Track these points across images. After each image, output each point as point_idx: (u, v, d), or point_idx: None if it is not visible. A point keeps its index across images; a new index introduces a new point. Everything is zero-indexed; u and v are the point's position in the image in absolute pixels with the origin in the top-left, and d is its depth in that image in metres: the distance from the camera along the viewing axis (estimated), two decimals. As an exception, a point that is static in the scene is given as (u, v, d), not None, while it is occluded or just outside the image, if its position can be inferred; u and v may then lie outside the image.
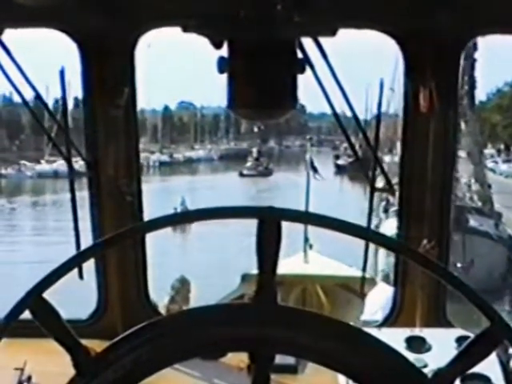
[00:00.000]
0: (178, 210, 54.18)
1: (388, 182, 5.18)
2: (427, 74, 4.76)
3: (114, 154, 5.21)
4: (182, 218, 2.17)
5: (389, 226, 31.41)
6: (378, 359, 2.00)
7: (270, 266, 2.00)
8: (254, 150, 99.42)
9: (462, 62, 4.96)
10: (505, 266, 35.75)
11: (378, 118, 5.64)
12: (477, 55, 32.94)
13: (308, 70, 3.45)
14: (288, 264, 16.00)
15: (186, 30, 3.20)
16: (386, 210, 36.34)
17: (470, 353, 2.05)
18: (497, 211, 39.19)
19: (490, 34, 5.20)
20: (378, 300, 14.39)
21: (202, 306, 2.12)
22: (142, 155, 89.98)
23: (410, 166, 5.19)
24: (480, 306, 2.01)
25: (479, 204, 38.24)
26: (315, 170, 20.15)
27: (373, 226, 38.97)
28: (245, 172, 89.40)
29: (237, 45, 3.10)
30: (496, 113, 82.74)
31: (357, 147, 5.94)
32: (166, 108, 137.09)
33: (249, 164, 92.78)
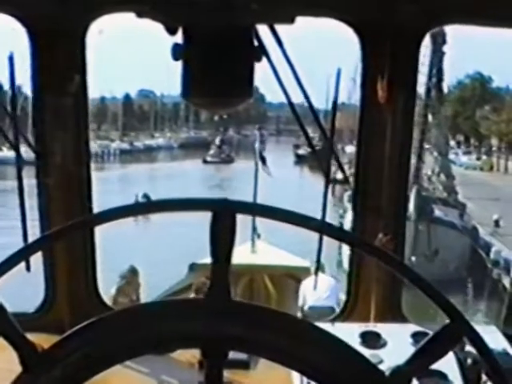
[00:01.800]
0: (139, 200, 54.54)
1: (343, 173, 5.15)
2: (385, 64, 4.68)
3: (64, 143, 5.03)
4: (132, 211, 2.02)
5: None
6: (334, 356, 1.95)
7: (224, 259, 1.97)
8: (217, 138, 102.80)
9: (421, 51, 4.88)
10: (469, 255, 36.24)
11: (334, 108, 5.42)
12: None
13: (265, 59, 3.38)
14: (236, 253, 15.93)
15: (139, 15, 3.07)
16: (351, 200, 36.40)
17: (429, 350, 1.97)
18: (461, 202, 39.77)
19: (449, 23, 5.15)
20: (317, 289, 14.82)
21: (153, 301, 2.11)
22: (103, 143, 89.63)
23: (366, 158, 5.07)
24: (438, 302, 1.93)
25: (444, 194, 38.79)
26: (264, 161, 20.02)
27: (337, 216, 39.33)
28: (208, 159, 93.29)
29: (192, 31, 2.99)
30: (457, 105, 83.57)
31: (316, 138, 5.86)
32: (127, 96, 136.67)
33: (212, 152, 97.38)
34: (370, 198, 5.09)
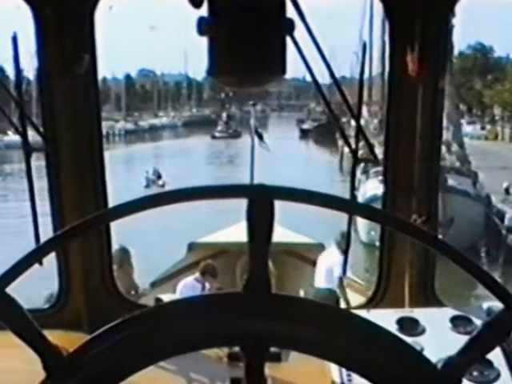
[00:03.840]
0: (150, 176, 54.98)
1: (372, 151, 4.78)
2: (415, 35, 4.40)
3: (74, 127, 4.72)
4: (156, 201, 1.82)
5: (369, 187, 32.43)
6: (378, 347, 1.81)
7: (263, 250, 1.82)
8: (224, 114, 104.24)
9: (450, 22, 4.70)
10: (483, 222, 36.93)
11: (361, 83, 5.21)
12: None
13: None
14: (234, 231, 14.99)
15: None
16: (365, 171, 36.94)
17: (484, 338, 1.79)
18: (474, 170, 40.44)
19: None
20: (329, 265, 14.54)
21: (184, 297, 1.99)
22: (107, 124, 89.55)
23: (397, 135, 4.76)
24: (489, 286, 1.76)
25: (457, 164, 39.52)
26: (260, 137, 19.95)
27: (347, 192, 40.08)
28: (217, 134, 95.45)
29: (218, 2, 2.80)
30: (459, 75, 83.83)
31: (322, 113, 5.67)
32: (128, 76, 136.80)
33: (220, 127, 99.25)
34: (401, 177, 4.80)
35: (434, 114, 4.65)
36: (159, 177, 53.86)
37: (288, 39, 2.90)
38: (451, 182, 36.47)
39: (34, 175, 4.76)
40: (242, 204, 1.76)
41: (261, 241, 1.81)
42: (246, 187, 1.84)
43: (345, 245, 5.34)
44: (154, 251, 24.54)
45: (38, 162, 4.88)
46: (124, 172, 66.04)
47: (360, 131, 4.68)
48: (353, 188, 4.71)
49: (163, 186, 50.18)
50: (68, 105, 4.67)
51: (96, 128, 4.79)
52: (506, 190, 43.04)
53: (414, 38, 4.40)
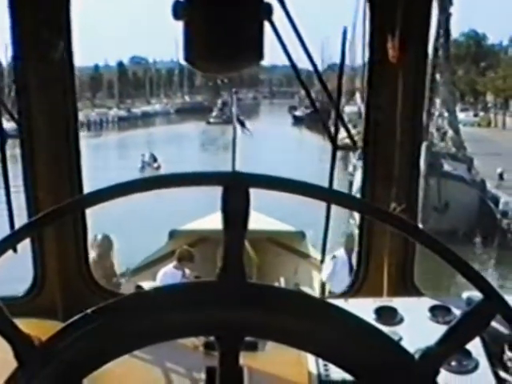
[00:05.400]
0: (146, 159, 55.40)
1: (351, 138, 4.81)
2: (396, 21, 4.30)
3: (49, 113, 4.59)
4: (131, 188, 1.79)
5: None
6: (356, 337, 1.77)
7: (237, 239, 1.78)
8: (219, 100, 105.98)
9: (433, 8, 4.55)
10: (478, 207, 37.26)
11: (341, 69, 5.10)
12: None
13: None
14: (215, 219, 14.83)
15: None
16: (360, 158, 37.10)
17: (462, 329, 1.77)
18: (469, 156, 40.75)
19: None
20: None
21: (160, 285, 1.91)
22: (100, 111, 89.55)
23: (376, 122, 4.66)
24: (471, 278, 1.75)
25: (453, 150, 39.80)
26: (242, 124, 19.98)
27: (346, 173, 40.29)
28: (211, 120, 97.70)
29: None
30: (452, 62, 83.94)
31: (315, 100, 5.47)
32: (121, 63, 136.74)
33: (214, 113, 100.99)
34: (380, 164, 4.69)
35: (415, 101, 4.58)
36: (155, 160, 54.44)
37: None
38: (447, 167, 36.83)
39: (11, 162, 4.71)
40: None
41: (235, 229, 1.77)
42: (220, 175, 1.79)
43: (351, 245, 5.14)
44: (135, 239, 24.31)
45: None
46: (122, 156, 66.34)
47: (339, 118, 4.62)
48: (331, 176, 4.67)
49: (158, 168, 50.82)
50: (43, 91, 4.57)
51: (72, 115, 4.70)
52: (500, 176, 43.43)
53: (394, 24, 4.29)
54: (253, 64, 2.95)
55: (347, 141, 5.00)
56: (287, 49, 4.01)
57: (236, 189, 1.74)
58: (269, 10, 2.86)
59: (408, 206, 4.61)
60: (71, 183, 4.71)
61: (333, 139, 4.60)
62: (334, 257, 14.53)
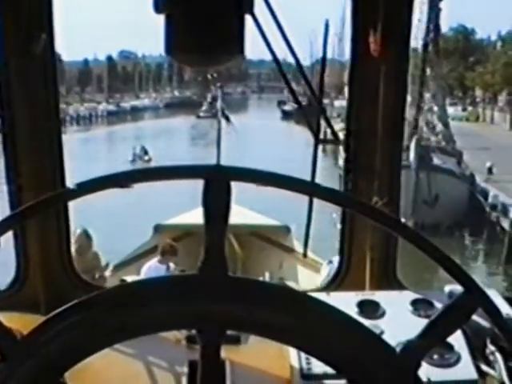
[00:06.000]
0: (137, 152, 55.64)
1: (333, 132, 4.74)
2: (378, 16, 4.27)
3: (31, 106, 4.55)
4: (112, 181, 1.79)
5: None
6: (337, 330, 1.77)
7: (219, 233, 1.79)
8: (209, 95, 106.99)
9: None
10: (467, 200, 37.49)
11: (323, 63, 5.08)
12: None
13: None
14: (200, 213, 14.65)
15: None
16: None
17: (443, 322, 1.78)
18: (458, 150, 41.12)
19: None
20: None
21: (142, 279, 1.90)
22: (90, 105, 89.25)
23: (358, 116, 4.68)
24: (452, 272, 1.76)
25: (443, 143, 40.19)
26: (227, 118, 19.98)
27: (337, 167, 40.47)
28: (201, 114, 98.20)
29: None
30: (441, 57, 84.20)
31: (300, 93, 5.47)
32: (110, 58, 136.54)
33: (204, 108, 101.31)
34: (362, 158, 4.70)
35: (397, 95, 4.57)
36: (146, 153, 54.69)
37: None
38: (436, 160, 37.17)
39: None
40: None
41: (217, 222, 1.78)
42: (201, 168, 1.78)
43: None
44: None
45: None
46: (111, 150, 66.27)
47: (321, 113, 4.61)
48: (314, 169, 4.65)
49: (149, 161, 51.06)
50: (25, 84, 4.52)
51: (53, 108, 4.66)
52: (489, 170, 43.70)
53: (376, 18, 4.28)
54: (234, 58, 2.94)
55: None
56: (269, 43, 3.99)
57: (217, 182, 1.74)
58: (250, 3, 2.89)
59: (390, 199, 4.62)
60: (54, 176, 4.69)
61: (315, 133, 4.59)
62: (330, 262, 14.47)
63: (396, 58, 4.44)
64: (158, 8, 2.75)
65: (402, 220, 2.30)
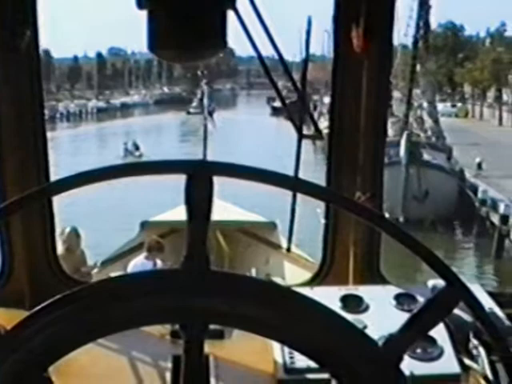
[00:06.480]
0: (129, 147, 55.76)
1: (316, 128, 4.75)
2: (361, 11, 4.27)
3: (15, 102, 4.54)
4: (96, 176, 1.79)
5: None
6: (320, 325, 1.78)
7: (201, 227, 1.79)
8: (199, 91, 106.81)
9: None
10: (457, 195, 37.59)
11: (306, 59, 5.06)
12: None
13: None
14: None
15: None
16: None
17: (425, 316, 1.79)
18: (448, 145, 41.27)
19: None
20: None
21: (125, 273, 1.85)
22: (80, 102, 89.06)
23: (341, 111, 4.66)
24: (434, 266, 1.77)
25: (433, 139, 40.34)
26: (211, 114, 20.03)
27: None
28: (191, 110, 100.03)
29: None
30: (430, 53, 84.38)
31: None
32: (100, 55, 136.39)
33: (194, 104, 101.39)
34: (345, 153, 4.70)
35: (380, 91, 4.56)
36: (137, 148, 54.94)
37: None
38: (426, 156, 37.31)
39: None
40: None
41: (199, 217, 1.77)
42: (184, 163, 1.78)
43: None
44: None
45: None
46: (101, 146, 66.22)
47: (304, 108, 4.59)
48: (297, 164, 4.68)
49: (140, 156, 51.32)
50: (9, 80, 4.49)
51: (38, 103, 4.65)
52: (479, 165, 43.87)
53: (359, 14, 4.27)
54: (216, 53, 2.96)
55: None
56: (252, 38, 3.99)
57: (200, 177, 1.74)
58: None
59: (373, 194, 4.63)
60: (38, 172, 4.68)
61: (298, 129, 4.56)
62: None
63: (379, 54, 4.44)
64: (140, 4, 2.78)
65: (386, 215, 2.29)
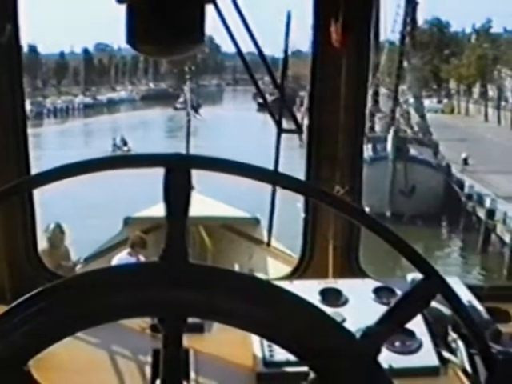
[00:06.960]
0: (117, 143, 55.89)
1: (295, 122, 4.69)
2: (339, 5, 4.25)
3: None
4: (75, 170, 1.78)
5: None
6: (298, 317, 1.77)
7: (179, 220, 1.77)
8: (186, 87, 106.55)
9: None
10: (443, 190, 37.84)
11: (285, 54, 5.01)
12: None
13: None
14: None
15: None
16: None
17: (402, 308, 1.79)
18: (435, 141, 41.44)
19: None
20: None
21: (104, 267, 1.90)
22: (66, 98, 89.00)
23: (320, 106, 4.67)
24: (412, 259, 1.77)
25: (420, 135, 40.50)
26: (196, 110, 19.99)
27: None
28: (178, 106, 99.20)
29: None
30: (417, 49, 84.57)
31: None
32: (86, 50, 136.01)
33: (181, 99, 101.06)
34: (325, 147, 4.71)
35: (358, 85, 4.58)
36: (125, 143, 55.49)
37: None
38: (413, 152, 37.48)
39: None
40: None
41: (178, 210, 1.76)
42: (162, 156, 1.77)
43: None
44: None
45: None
46: (88, 142, 66.14)
47: (283, 103, 4.59)
48: (277, 158, 4.65)
49: (128, 151, 51.93)
50: None
51: (19, 98, 4.62)
52: (465, 161, 44.10)
53: (338, 8, 4.27)
54: (195, 47, 2.97)
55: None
56: (232, 33, 3.95)
57: (178, 170, 1.74)
58: None
59: (351, 188, 4.65)
60: (18, 167, 4.66)
61: (278, 123, 4.57)
62: None
63: (357, 48, 4.47)
64: None
65: (366, 209, 2.34)
